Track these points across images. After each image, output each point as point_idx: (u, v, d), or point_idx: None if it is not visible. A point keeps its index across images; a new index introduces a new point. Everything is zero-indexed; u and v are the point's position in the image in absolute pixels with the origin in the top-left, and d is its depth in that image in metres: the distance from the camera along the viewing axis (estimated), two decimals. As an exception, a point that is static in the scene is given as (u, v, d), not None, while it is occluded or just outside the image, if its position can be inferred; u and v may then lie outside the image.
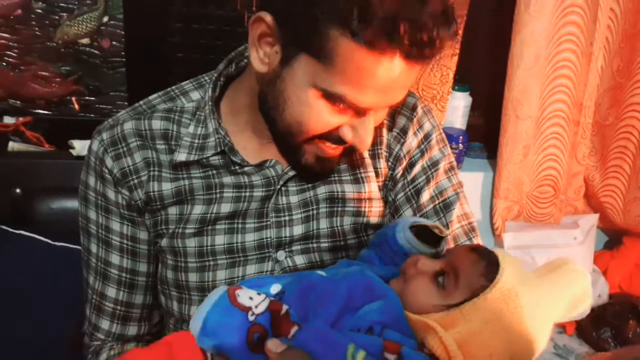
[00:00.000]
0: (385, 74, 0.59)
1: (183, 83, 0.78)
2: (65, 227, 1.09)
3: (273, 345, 0.52)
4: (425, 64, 0.61)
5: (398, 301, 0.59)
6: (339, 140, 0.67)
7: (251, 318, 0.55)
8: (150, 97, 0.77)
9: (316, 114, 0.63)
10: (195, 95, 0.76)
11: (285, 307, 0.57)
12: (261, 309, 0.56)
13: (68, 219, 1.12)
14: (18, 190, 1.15)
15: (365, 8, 0.54)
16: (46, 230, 1.08)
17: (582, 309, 0.60)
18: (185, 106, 0.75)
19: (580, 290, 0.59)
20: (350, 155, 0.75)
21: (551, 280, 0.60)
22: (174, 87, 0.77)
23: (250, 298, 0.56)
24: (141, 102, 0.77)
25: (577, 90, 1.42)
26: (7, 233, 1.05)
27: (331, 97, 0.61)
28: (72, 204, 1.13)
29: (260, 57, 0.65)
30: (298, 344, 0.52)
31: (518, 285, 0.57)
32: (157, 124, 0.73)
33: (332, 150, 0.69)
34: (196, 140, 0.72)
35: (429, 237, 0.67)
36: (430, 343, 0.55)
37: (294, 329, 0.55)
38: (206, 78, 0.77)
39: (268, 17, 0.61)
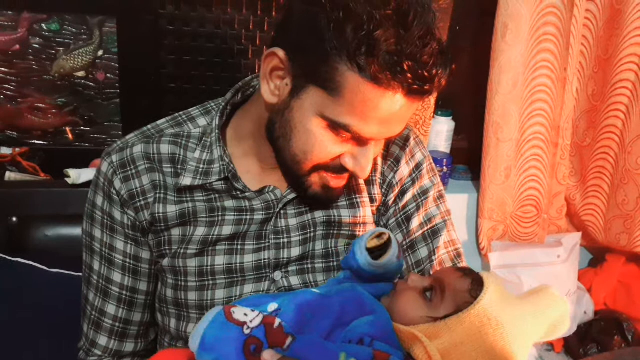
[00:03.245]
0: (388, 107, 0.63)
1: (190, 109, 0.81)
2: (61, 254, 1.12)
3: (268, 355, 0.55)
4: (423, 99, 0.66)
5: (387, 316, 0.63)
6: (341, 170, 0.71)
7: (247, 331, 0.58)
8: (159, 122, 0.81)
9: (320, 143, 0.67)
10: (202, 121, 0.79)
11: (278, 321, 0.60)
12: (256, 323, 0.59)
13: (63, 246, 1.15)
14: (14, 219, 1.17)
15: (372, 46, 0.59)
16: (42, 257, 1.10)
17: (561, 332, 0.64)
18: (192, 131, 0.78)
19: (559, 314, 0.63)
20: (347, 182, 0.78)
21: (532, 302, 0.64)
22: (181, 113, 0.81)
23: (245, 314, 0.60)
24: (149, 127, 0.80)
25: (554, 113, 1.47)
26: (4, 260, 1.07)
27: (336, 127, 0.66)
28: (68, 231, 1.18)
29: (271, 89, 0.69)
30: (293, 354, 0.55)
31: (500, 304, 0.61)
32: (165, 148, 0.77)
33: (336, 180, 0.73)
34: (201, 166, 0.76)
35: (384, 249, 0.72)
36: (416, 353, 0.59)
37: (289, 340, 0.58)
38: (212, 105, 0.81)
39: (281, 52, 0.66)
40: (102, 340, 0.79)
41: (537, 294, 0.65)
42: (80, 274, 0.83)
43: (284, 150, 0.71)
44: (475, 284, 0.63)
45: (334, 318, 0.62)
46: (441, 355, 0.58)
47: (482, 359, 0.59)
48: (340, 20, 0.60)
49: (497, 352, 0.59)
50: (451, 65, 0.63)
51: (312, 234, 0.78)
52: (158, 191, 0.75)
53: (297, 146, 0.69)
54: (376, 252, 0.72)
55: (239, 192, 0.76)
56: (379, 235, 0.73)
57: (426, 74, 0.61)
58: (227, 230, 0.75)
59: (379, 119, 0.65)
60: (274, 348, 0.57)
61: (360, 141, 0.69)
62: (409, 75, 0.60)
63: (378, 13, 0.59)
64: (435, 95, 1.52)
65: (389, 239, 0.72)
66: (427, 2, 0.63)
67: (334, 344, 0.60)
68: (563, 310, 0.63)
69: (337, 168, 0.71)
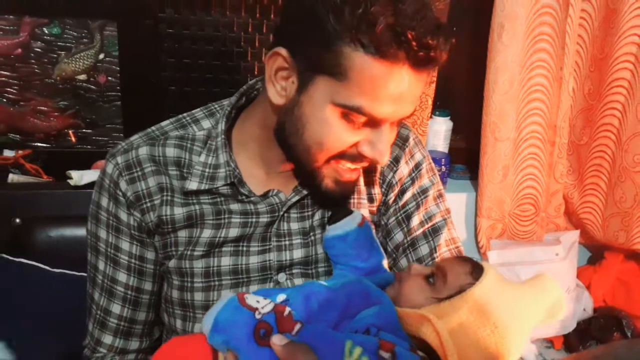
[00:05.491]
0: (396, 83, 0.63)
1: (193, 111, 0.81)
2: (64, 255, 1.13)
3: (277, 339, 0.56)
4: (429, 71, 0.66)
5: (392, 307, 0.64)
6: (357, 157, 0.70)
7: (258, 316, 0.59)
8: (163, 124, 0.81)
9: (334, 132, 0.67)
10: (206, 123, 0.79)
11: (288, 309, 0.61)
12: (267, 309, 0.60)
13: (66, 247, 1.16)
14: (18, 220, 1.18)
15: (371, 22, 0.60)
16: (45, 258, 1.11)
17: (560, 314, 0.66)
18: (197, 134, 0.78)
19: (555, 295, 0.65)
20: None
21: (529, 285, 0.66)
22: (185, 115, 0.81)
23: (257, 301, 0.61)
24: (153, 128, 0.80)
25: (550, 112, 1.49)
26: (7, 261, 1.08)
27: (349, 111, 0.65)
28: (70, 232, 1.19)
29: (277, 90, 0.69)
30: (301, 340, 0.57)
31: (501, 285, 0.64)
32: (171, 152, 0.77)
33: (350, 172, 0.73)
34: (207, 170, 0.76)
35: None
36: (425, 332, 0.60)
37: (297, 327, 0.59)
38: (216, 106, 0.81)
39: (283, 51, 0.67)
40: (107, 339, 0.80)
41: (533, 279, 0.67)
42: (83, 274, 0.84)
43: (296, 146, 0.70)
44: (476, 267, 0.65)
45: (341, 310, 0.63)
46: (449, 333, 0.60)
47: (487, 338, 0.60)
48: (337, 5, 0.61)
49: (501, 332, 0.61)
50: (451, 38, 0.64)
51: (313, 238, 0.79)
52: (165, 194, 0.76)
53: (311, 138, 0.68)
54: None
55: (244, 197, 0.77)
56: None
57: (430, 40, 0.61)
58: (233, 232, 0.76)
59: (389, 96, 0.64)
60: (283, 333, 0.59)
61: (374, 123, 0.68)
62: (414, 43, 0.60)
63: None
64: (432, 95, 1.54)
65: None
66: None
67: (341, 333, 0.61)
68: (559, 293, 0.66)
69: (353, 156, 0.71)
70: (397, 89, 0.64)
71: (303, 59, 0.66)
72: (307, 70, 0.66)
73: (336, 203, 0.78)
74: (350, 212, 0.76)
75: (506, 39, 1.39)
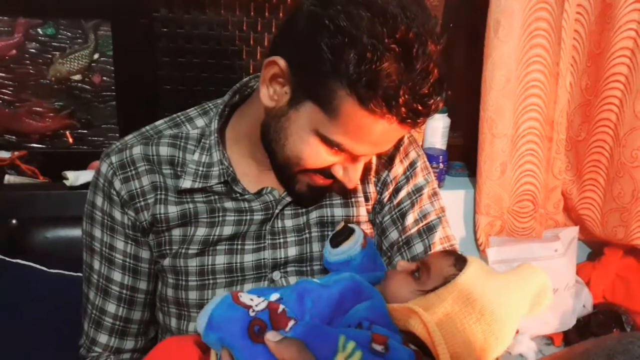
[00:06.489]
0: (381, 133, 0.65)
1: (187, 110, 0.82)
2: (60, 255, 1.13)
3: (272, 335, 0.57)
4: (417, 126, 0.67)
5: (384, 301, 0.65)
6: (331, 175, 0.73)
7: (252, 314, 0.60)
8: (157, 123, 0.81)
9: (314, 153, 0.69)
10: (200, 122, 0.80)
11: (282, 307, 0.62)
12: (261, 307, 0.61)
13: (62, 247, 1.16)
14: (14, 221, 1.18)
15: (373, 79, 0.59)
16: (41, 259, 1.11)
17: (546, 302, 0.67)
18: (190, 132, 0.79)
19: (540, 282, 0.66)
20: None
21: (513, 274, 0.67)
22: (179, 114, 0.82)
23: (251, 299, 0.62)
24: (148, 128, 0.81)
25: (547, 108, 1.48)
26: (4, 262, 1.08)
27: (330, 143, 0.67)
28: (66, 232, 1.19)
29: (270, 94, 0.70)
30: (294, 336, 0.57)
31: (485, 274, 0.65)
32: (164, 150, 0.77)
33: (322, 181, 0.74)
34: (200, 168, 0.77)
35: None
36: (413, 325, 0.61)
37: (291, 323, 0.60)
38: (210, 105, 0.82)
39: (282, 62, 0.67)
40: (103, 338, 0.80)
41: (518, 268, 0.68)
42: (79, 274, 0.84)
43: (276, 153, 0.73)
44: (459, 259, 0.67)
45: (334, 307, 0.64)
46: (436, 325, 0.60)
47: (474, 326, 0.61)
48: (342, 46, 0.60)
49: (487, 320, 0.61)
50: (447, 90, 0.64)
51: (307, 236, 0.79)
52: (159, 192, 0.76)
53: (290, 151, 0.71)
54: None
55: (238, 195, 0.77)
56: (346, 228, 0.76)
57: (420, 107, 0.62)
58: (227, 230, 0.76)
59: (371, 141, 0.67)
60: (277, 330, 0.59)
61: (352, 156, 0.71)
62: (403, 109, 0.61)
63: (381, 44, 0.59)
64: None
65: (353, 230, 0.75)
66: (433, 26, 0.63)
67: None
68: (544, 279, 0.66)
69: (327, 174, 0.73)
70: (380, 137, 0.66)
71: (298, 79, 0.67)
72: (301, 91, 0.67)
73: (308, 204, 0.79)
74: (352, 232, 0.75)
75: (502, 35, 1.38)
